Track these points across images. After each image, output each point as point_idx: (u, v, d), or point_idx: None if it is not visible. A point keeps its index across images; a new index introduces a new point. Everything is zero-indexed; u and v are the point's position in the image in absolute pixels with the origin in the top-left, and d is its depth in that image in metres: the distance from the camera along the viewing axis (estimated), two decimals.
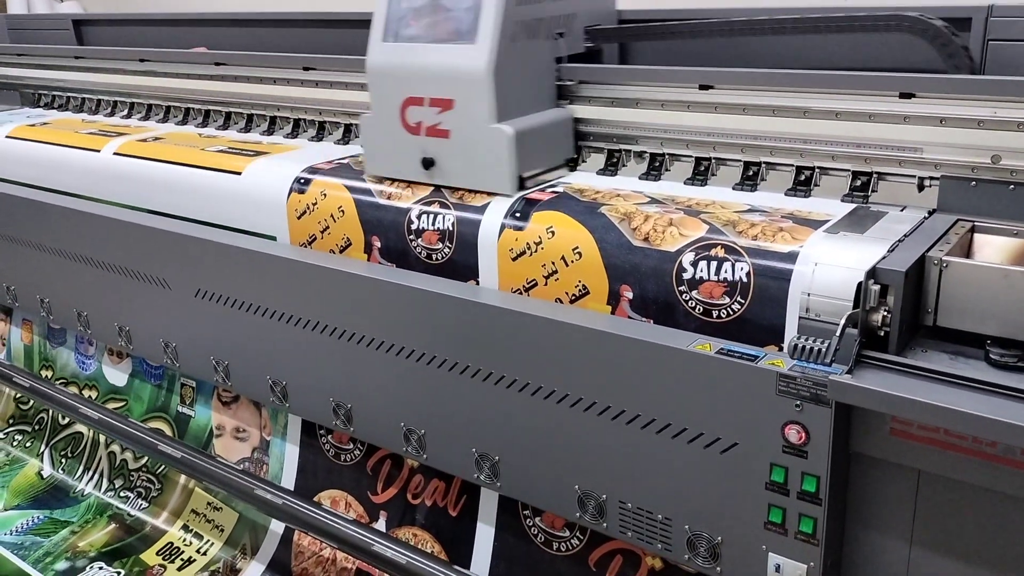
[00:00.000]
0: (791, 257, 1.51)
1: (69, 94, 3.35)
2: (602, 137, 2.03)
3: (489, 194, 1.91)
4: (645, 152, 1.98)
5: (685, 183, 1.91)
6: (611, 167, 2.03)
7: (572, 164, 2.07)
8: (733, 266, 1.55)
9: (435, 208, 1.94)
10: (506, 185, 1.88)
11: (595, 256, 1.71)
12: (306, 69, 2.53)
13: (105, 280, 2.57)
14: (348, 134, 2.52)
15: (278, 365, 2.20)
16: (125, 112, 3.12)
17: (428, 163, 1.95)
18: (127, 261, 2.49)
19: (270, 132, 2.69)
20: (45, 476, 3.34)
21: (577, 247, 1.73)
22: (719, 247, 1.58)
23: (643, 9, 2.24)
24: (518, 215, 1.83)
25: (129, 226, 2.44)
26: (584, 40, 2.09)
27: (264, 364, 2.23)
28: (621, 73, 2.01)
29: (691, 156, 1.92)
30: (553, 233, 1.77)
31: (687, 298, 1.61)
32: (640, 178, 1.98)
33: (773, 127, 1.78)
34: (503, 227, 1.83)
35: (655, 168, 1.97)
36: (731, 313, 1.56)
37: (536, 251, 1.78)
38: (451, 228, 1.90)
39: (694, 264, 1.59)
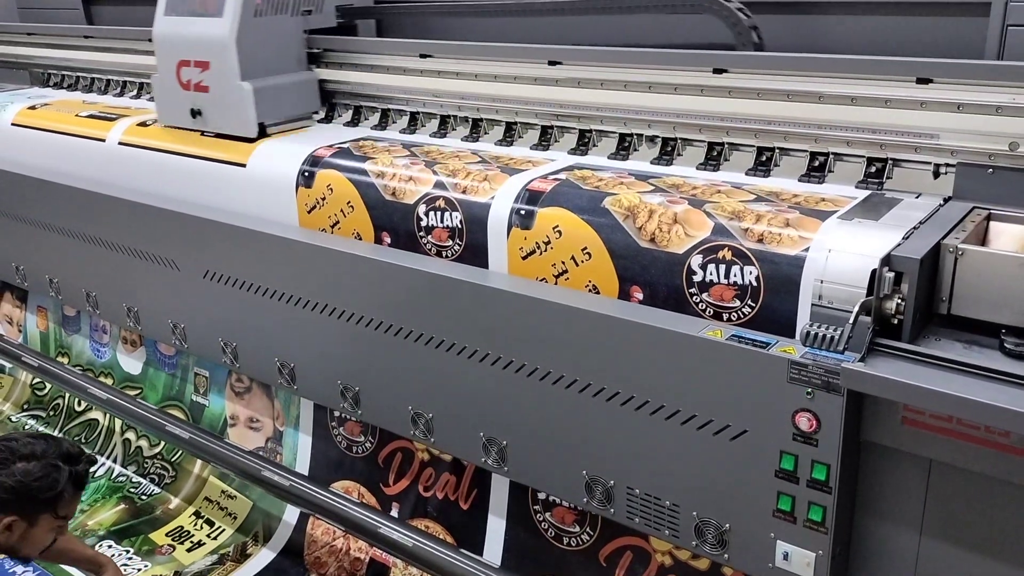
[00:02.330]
0: (798, 262, 1.48)
1: (79, 74, 3.33)
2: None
3: (247, 140, 2.31)
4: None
5: (698, 167, 1.90)
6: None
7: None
8: (742, 270, 1.54)
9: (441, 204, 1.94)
10: (250, 130, 2.33)
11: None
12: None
13: (114, 261, 2.57)
14: (358, 116, 2.50)
15: (286, 347, 2.20)
16: (134, 92, 3.11)
17: (195, 113, 2.42)
18: (136, 242, 2.49)
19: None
20: None
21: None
22: (726, 250, 1.56)
23: None
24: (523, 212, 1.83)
25: (138, 207, 2.44)
26: (336, 16, 2.54)
27: (272, 346, 2.23)
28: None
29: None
30: (560, 233, 1.76)
31: (697, 300, 1.60)
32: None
33: (789, 112, 1.76)
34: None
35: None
36: (742, 316, 1.55)
37: (545, 250, 1.78)
38: (459, 225, 1.91)
39: (703, 267, 1.58)
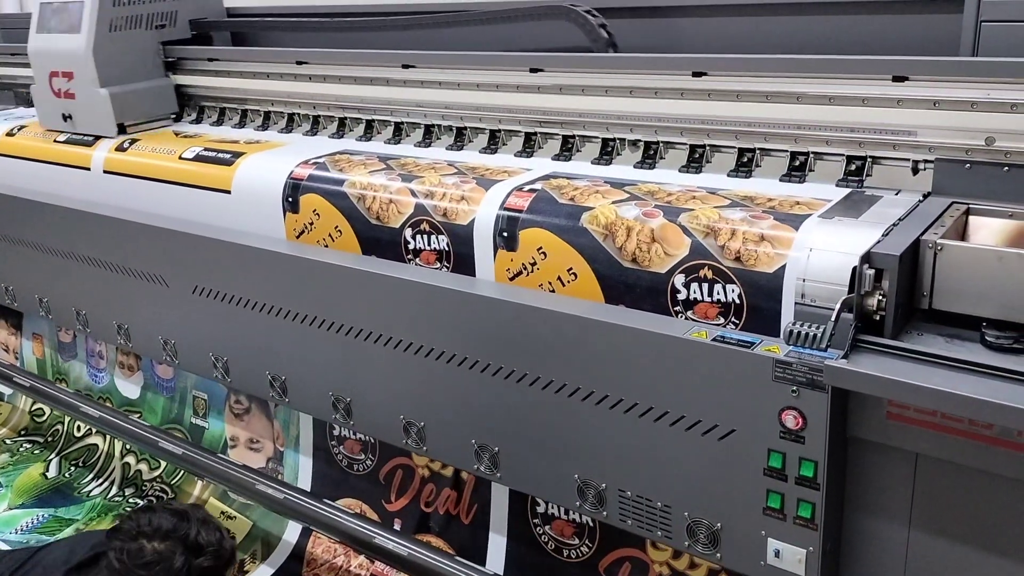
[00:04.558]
0: (778, 278, 1.49)
1: None
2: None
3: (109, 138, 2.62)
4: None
5: (680, 170, 1.91)
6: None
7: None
8: (724, 288, 1.55)
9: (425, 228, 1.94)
10: (111, 131, 2.68)
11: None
12: (300, 63, 2.53)
13: (103, 278, 2.57)
14: (342, 128, 2.51)
15: (277, 360, 2.21)
16: None
17: (66, 117, 2.77)
18: (124, 259, 2.49)
19: (264, 127, 2.69)
20: (50, 476, 3.36)
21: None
22: (707, 268, 1.57)
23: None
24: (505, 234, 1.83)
25: (126, 224, 2.44)
26: (191, 29, 2.88)
27: (263, 359, 2.23)
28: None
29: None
30: (545, 255, 1.77)
31: (683, 319, 1.61)
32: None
33: (767, 113, 1.78)
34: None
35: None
36: None
37: (532, 271, 1.80)
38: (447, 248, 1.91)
39: (686, 286, 1.60)
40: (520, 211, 1.81)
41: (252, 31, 3.03)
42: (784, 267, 1.49)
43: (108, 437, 3.32)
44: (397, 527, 2.41)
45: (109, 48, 2.67)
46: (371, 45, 2.52)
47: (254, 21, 2.96)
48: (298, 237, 2.16)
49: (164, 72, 2.84)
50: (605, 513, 1.73)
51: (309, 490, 2.60)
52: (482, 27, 2.28)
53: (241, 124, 2.76)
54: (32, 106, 3.41)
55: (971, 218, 1.56)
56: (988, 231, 1.54)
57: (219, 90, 2.80)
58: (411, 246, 1.96)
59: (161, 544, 1.83)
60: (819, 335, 1.40)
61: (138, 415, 3.14)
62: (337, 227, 2.08)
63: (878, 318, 1.40)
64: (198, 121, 2.86)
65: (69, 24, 2.67)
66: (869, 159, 1.70)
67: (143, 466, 3.21)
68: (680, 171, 1.91)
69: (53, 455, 3.44)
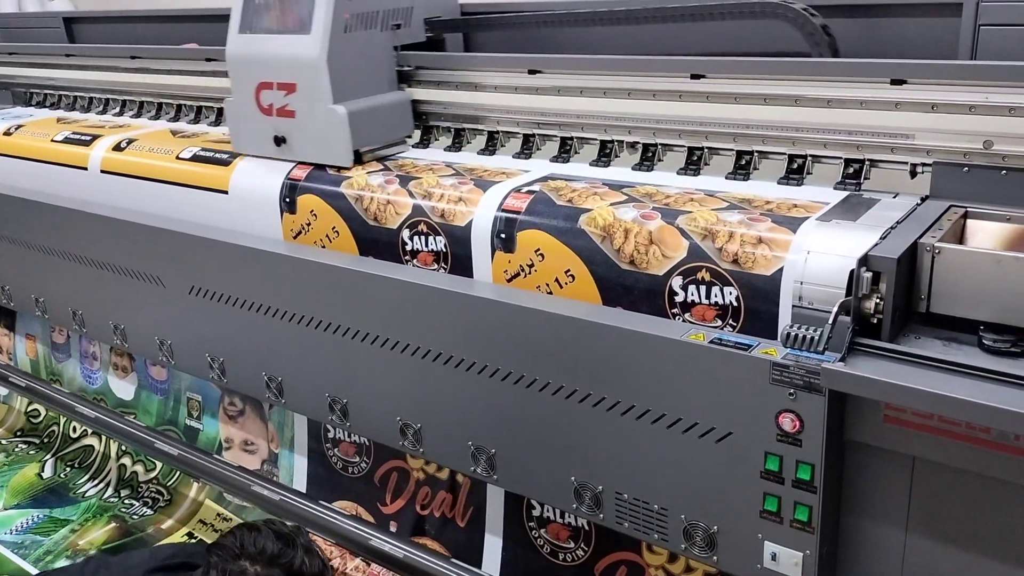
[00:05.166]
0: (775, 280, 1.49)
1: (61, 92, 3.33)
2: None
3: (337, 168, 2.11)
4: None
5: (678, 173, 1.91)
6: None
7: (425, 142, 2.31)
8: (722, 290, 1.55)
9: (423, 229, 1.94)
10: (344, 159, 2.11)
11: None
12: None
13: (99, 278, 2.57)
14: None
15: (273, 361, 2.20)
16: (117, 109, 3.11)
17: (280, 140, 2.18)
18: (121, 259, 2.48)
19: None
20: (45, 477, 3.35)
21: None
22: (704, 271, 1.57)
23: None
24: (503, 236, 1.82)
25: (122, 224, 2.43)
26: (425, 30, 2.30)
27: (259, 360, 2.23)
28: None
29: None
30: (543, 256, 1.76)
31: (680, 321, 1.61)
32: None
33: (766, 116, 1.78)
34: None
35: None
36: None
37: (529, 273, 1.79)
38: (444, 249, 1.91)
39: (684, 288, 1.60)
40: (518, 213, 1.81)
41: (494, 30, 2.42)
42: (782, 270, 1.49)
43: (104, 438, 3.31)
44: (393, 529, 2.41)
45: (344, 53, 2.08)
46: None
47: (515, 17, 2.29)
48: (295, 238, 2.15)
49: (398, 84, 2.26)
50: (602, 516, 1.73)
51: (304, 492, 2.60)
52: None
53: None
54: (30, 104, 3.44)
55: (969, 221, 1.56)
56: (986, 234, 1.54)
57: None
58: (409, 247, 1.96)
59: (264, 570, 1.73)
60: (816, 338, 1.39)
61: (133, 416, 3.13)
62: (335, 228, 2.07)
63: (875, 321, 1.40)
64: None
65: (294, 22, 2.10)
66: (867, 162, 1.70)
67: (139, 467, 3.20)
68: (678, 173, 1.90)
69: (49, 456, 3.43)
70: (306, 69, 2.07)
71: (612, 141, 2.01)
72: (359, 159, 2.13)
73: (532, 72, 2.05)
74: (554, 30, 2.28)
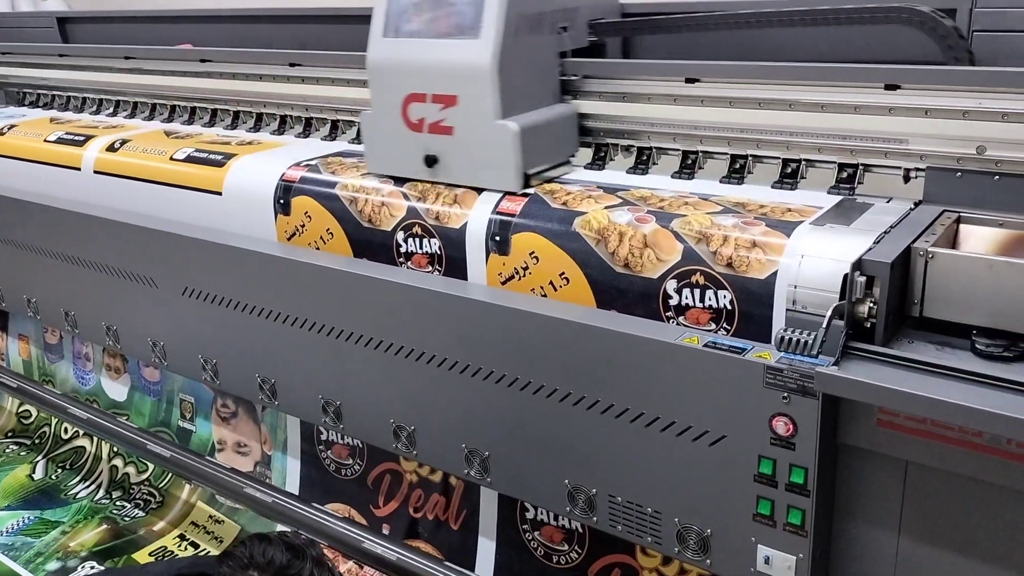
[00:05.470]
0: (769, 284, 1.50)
1: (54, 92, 3.32)
2: (611, 133, 1.99)
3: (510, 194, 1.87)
4: (634, 146, 1.97)
5: (672, 176, 1.91)
6: (599, 161, 2.02)
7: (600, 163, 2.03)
8: (716, 294, 1.56)
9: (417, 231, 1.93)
10: (512, 183, 1.84)
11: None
12: (292, 65, 2.52)
13: (92, 279, 2.56)
14: (335, 130, 2.50)
15: (267, 363, 2.20)
16: (111, 110, 3.10)
17: (431, 160, 1.90)
18: (113, 260, 2.47)
19: (256, 129, 2.67)
20: (36, 478, 3.33)
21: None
22: (698, 274, 1.58)
23: (643, 2, 2.19)
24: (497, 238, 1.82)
25: (115, 225, 2.43)
26: (588, 34, 2.04)
27: (253, 362, 2.22)
28: (626, 68, 1.98)
29: (678, 149, 1.92)
30: (538, 259, 1.76)
31: (675, 324, 1.62)
32: (628, 172, 1.97)
33: (760, 120, 1.78)
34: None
35: (643, 162, 1.97)
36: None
37: (524, 275, 1.79)
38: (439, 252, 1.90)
39: (678, 291, 1.60)
40: (513, 215, 1.81)
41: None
42: (776, 273, 1.49)
43: (96, 440, 3.30)
44: (386, 532, 2.40)
45: (515, 61, 1.80)
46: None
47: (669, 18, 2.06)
48: (289, 239, 2.15)
49: (561, 95, 1.98)
50: (595, 519, 1.73)
51: (297, 494, 2.59)
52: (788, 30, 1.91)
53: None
54: (23, 104, 3.42)
55: (962, 226, 1.56)
56: (979, 239, 1.54)
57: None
58: (403, 249, 1.96)
59: None
60: (810, 342, 1.39)
61: (125, 417, 3.12)
62: (329, 229, 2.07)
63: (869, 325, 1.40)
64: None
65: (456, 24, 1.82)
66: (861, 167, 1.71)
67: (131, 469, 3.19)
68: (672, 177, 1.91)
69: (40, 457, 3.41)
70: (472, 79, 1.79)
71: (607, 145, 2.02)
72: (527, 183, 1.87)
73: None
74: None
